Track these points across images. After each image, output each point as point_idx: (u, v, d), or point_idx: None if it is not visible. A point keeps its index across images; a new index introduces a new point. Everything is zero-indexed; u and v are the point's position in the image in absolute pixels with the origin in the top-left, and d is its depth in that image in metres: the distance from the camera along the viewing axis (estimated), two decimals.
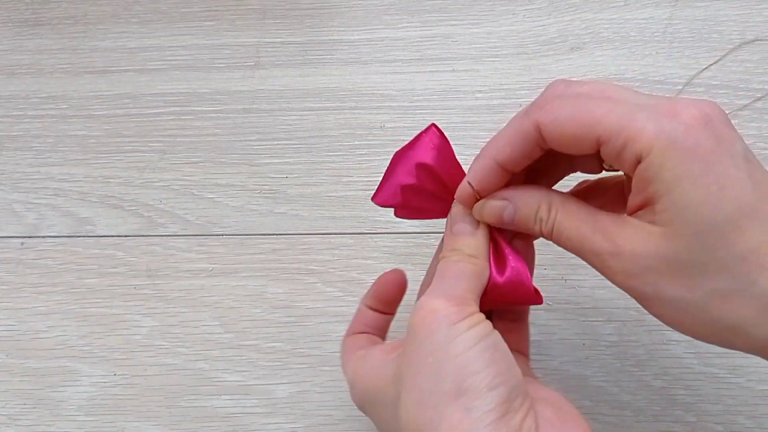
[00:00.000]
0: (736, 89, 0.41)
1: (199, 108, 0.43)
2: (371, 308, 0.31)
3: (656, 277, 0.22)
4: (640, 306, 0.37)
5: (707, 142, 0.21)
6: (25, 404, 0.38)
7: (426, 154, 0.28)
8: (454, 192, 0.27)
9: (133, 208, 0.41)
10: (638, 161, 0.21)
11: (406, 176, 0.28)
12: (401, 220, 0.40)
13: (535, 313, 0.37)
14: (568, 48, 0.43)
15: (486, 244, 0.27)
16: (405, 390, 0.23)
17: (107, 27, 0.46)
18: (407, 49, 0.44)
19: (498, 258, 0.27)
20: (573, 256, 0.38)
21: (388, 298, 0.31)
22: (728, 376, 0.35)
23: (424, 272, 0.31)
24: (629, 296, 0.24)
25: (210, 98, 0.44)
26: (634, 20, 0.43)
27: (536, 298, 0.27)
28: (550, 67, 0.42)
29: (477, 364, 0.22)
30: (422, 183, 0.28)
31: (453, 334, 0.23)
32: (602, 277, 0.37)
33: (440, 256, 0.27)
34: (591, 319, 0.37)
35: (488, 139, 0.42)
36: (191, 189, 0.41)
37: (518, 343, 0.29)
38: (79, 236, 0.41)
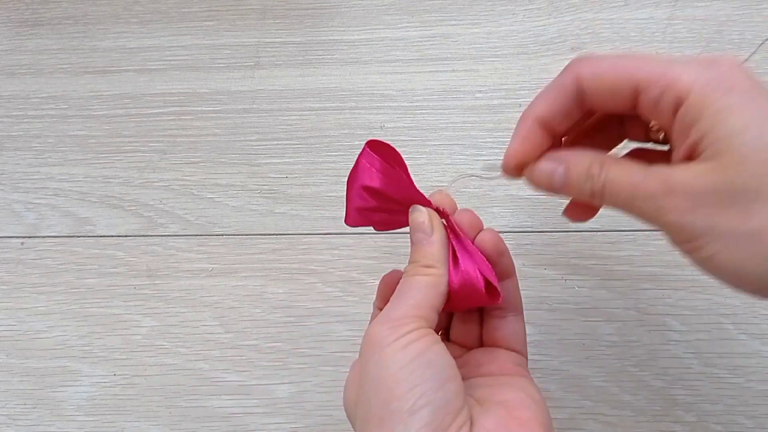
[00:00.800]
0: None
1: (199, 108, 0.43)
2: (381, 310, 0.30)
3: (711, 210, 0.21)
4: (640, 306, 0.37)
5: (744, 80, 0.21)
6: (25, 404, 0.38)
7: (368, 178, 0.28)
8: (408, 204, 0.28)
9: (133, 208, 0.41)
10: (677, 106, 0.22)
11: (358, 200, 0.28)
12: None
13: (535, 313, 0.37)
14: (568, 48, 0.43)
15: (442, 249, 0.27)
16: (358, 413, 0.24)
17: (107, 27, 0.46)
18: (407, 49, 0.44)
19: (454, 261, 0.27)
20: (574, 256, 0.38)
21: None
22: (728, 376, 0.35)
23: None
24: (678, 245, 0.23)
25: (210, 98, 0.44)
26: (634, 20, 0.43)
27: (491, 298, 0.27)
28: (550, 67, 0.42)
29: (402, 387, 0.22)
30: (377, 201, 0.28)
31: (384, 358, 0.23)
32: (602, 277, 0.38)
33: (405, 271, 0.27)
34: (591, 319, 0.37)
35: (488, 139, 0.42)
36: (191, 189, 0.41)
37: (507, 340, 0.29)
38: (79, 236, 0.41)
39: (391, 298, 0.26)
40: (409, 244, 0.28)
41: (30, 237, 0.41)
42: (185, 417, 0.37)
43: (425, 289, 0.26)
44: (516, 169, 0.26)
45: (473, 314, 0.30)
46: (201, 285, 0.39)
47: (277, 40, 0.45)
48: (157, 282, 0.39)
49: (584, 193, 0.25)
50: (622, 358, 0.36)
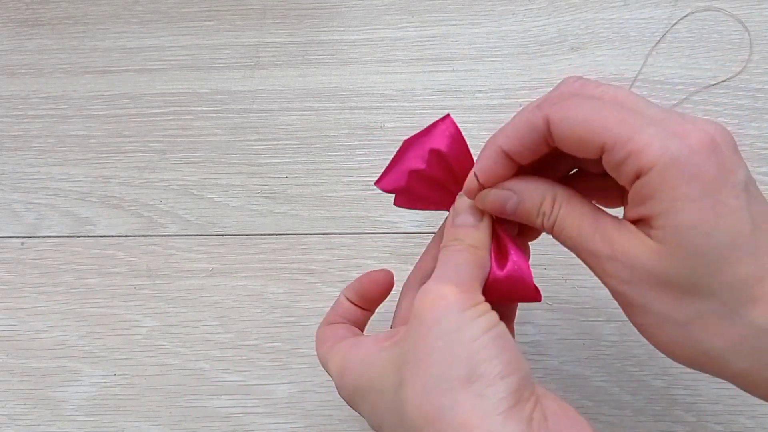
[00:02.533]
0: (735, 89, 0.41)
1: (199, 108, 0.43)
2: (351, 302, 0.30)
3: (647, 288, 0.22)
4: None
5: (710, 168, 0.21)
6: (25, 404, 0.38)
7: (440, 141, 0.27)
8: (462, 183, 0.27)
9: (133, 208, 0.41)
10: (637, 176, 0.21)
11: (416, 161, 0.28)
12: (401, 220, 0.40)
13: (535, 313, 0.37)
14: (568, 48, 0.43)
15: (488, 237, 0.26)
16: (410, 376, 0.22)
17: (107, 27, 0.46)
18: (407, 49, 0.44)
19: (499, 252, 0.27)
20: (574, 256, 0.38)
21: (371, 297, 0.30)
22: None
23: None
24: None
25: (210, 98, 0.44)
26: (634, 20, 0.43)
27: (536, 294, 0.27)
28: (550, 67, 0.42)
29: (488, 352, 0.22)
30: (432, 169, 0.28)
31: (463, 320, 0.22)
32: None
33: (441, 245, 0.26)
34: (591, 319, 0.37)
35: (488, 139, 0.42)
36: (191, 189, 0.41)
37: None
38: (79, 236, 0.41)
39: (439, 267, 0.25)
40: (447, 231, 0.27)
41: (30, 237, 0.41)
42: (185, 417, 0.37)
43: (476, 266, 0.25)
44: (473, 192, 0.26)
45: None
46: (201, 285, 0.39)
47: (277, 40, 0.45)
48: (157, 282, 0.39)
49: (536, 226, 0.25)
50: (622, 358, 0.36)
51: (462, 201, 0.27)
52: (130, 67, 0.45)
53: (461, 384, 0.21)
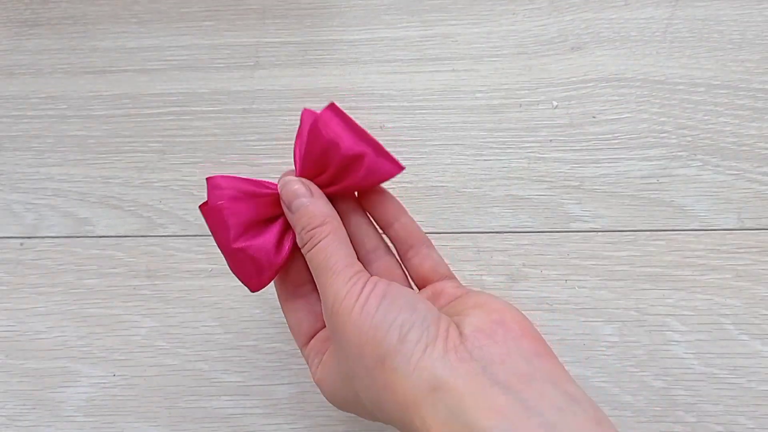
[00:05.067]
0: (736, 89, 0.41)
1: (199, 108, 0.43)
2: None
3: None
4: (640, 306, 0.37)
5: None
6: (24, 405, 0.37)
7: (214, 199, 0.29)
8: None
9: (132, 208, 0.41)
10: None
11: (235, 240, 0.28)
12: None
13: (535, 313, 0.37)
14: (568, 48, 0.43)
15: (327, 202, 0.28)
16: (354, 384, 0.25)
17: (107, 27, 0.46)
18: (407, 49, 0.44)
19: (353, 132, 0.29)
20: (573, 255, 0.38)
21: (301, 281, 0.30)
22: (729, 376, 0.35)
23: None
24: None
25: (209, 98, 0.44)
26: (634, 20, 0.43)
27: (395, 168, 0.29)
28: (550, 67, 0.42)
29: (383, 329, 0.23)
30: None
31: (353, 319, 0.24)
32: (603, 277, 0.38)
33: (303, 250, 0.27)
34: (591, 320, 0.37)
35: (488, 139, 0.42)
36: (191, 189, 0.41)
37: (437, 269, 0.30)
38: (78, 237, 0.41)
39: (316, 276, 0.26)
40: (295, 225, 0.28)
41: (29, 237, 0.41)
42: (185, 418, 0.37)
43: (338, 246, 0.26)
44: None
45: (393, 260, 0.30)
46: (201, 285, 0.39)
47: (276, 40, 0.45)
48: (156, 282, 0.39)
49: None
50: (622, 359, 0.36)
51: (286, 189, 0.28)
52: (129, 67, 0.45)
53: (379, 366, 0.23)
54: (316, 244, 0.26)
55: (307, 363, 0.29)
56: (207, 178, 0.29)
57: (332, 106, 0.29)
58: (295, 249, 0.29)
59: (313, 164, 0.29)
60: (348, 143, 0.28)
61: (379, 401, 0.24)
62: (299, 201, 0.27)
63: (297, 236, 0.28)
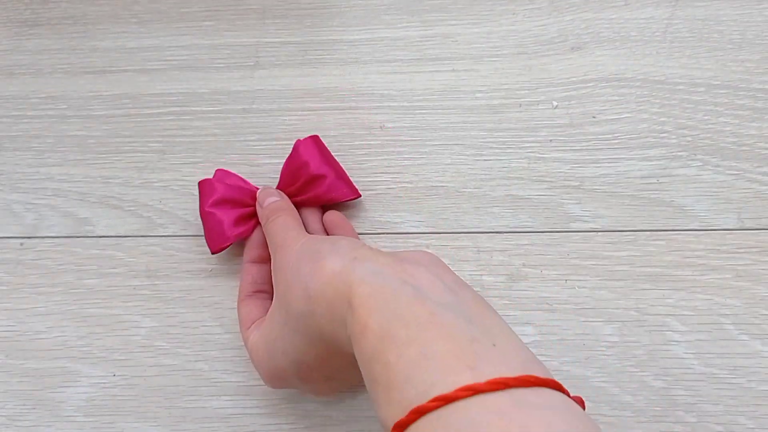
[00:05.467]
0: (736, 89, 0.41)
1: (199, 108, 0.43)
2: (254, 262, 0.36)
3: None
4: (640, 306, 0.37)
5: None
6: (24, 405, 0.37)
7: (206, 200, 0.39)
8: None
9: (132, 208, 0.41)
10: None
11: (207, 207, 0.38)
12: (401, 220, 0.40)
13: (535, 313, 0.37)
14: (568, 48, 0.43)
15: (288, 201, 0.37)
16: (288, 320, 0.29)
17: (106, 27, 0.46)
18: (407, 49, 0.44)
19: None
20: (573, 255, 0.38)
21: (264, 243, 0.36)
22: (729, 376, 0.35)
23: None
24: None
25: (209, 98, 0.44)
26: (634, 20, 0.43)
27: (353, 193, 0.39)
28: (550, 67, 0.42)
29: (319, 242, 0.31)
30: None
31: (298, 245, 0.31)
32: (603, 277, 0.38)
33: (265, 229, 0.36)
34: (591, 320, 0.37)
35: (488, 139, 0.42)
36: (191, 189, 0.41)
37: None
38: (78, 237, 0.41)
39: (271, 242, 0.34)
40: (261, 214, 0.37)
41: (29, 237, 0.41)
42: (185, 418, 0.37)
43: (291, 220, 0.35)
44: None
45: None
46: (201, 285, 0.39)
47: (276, 40, 0.45)
48: (156, 282, 0.39)
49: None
50: (622, 359, 0.36)
51: (263, 192, 0.37)
52: (129, 67, 0.45)
53: (313, 267, 0.28)
54: (275, 220, 0.34)
55: (245, 341, 0.34)
56: (216, 170, 0.39)
57: (314, 137, 0.39)
58: (260, 260, 0.37)
59: (288, 176, 0.38)
60: (315, 164, 0.38)
61: (308, 297, 0.27)
62: (270, 198, 0.36)
63: (262, 223, 0.36)
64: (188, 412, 0.37)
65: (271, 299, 0.34)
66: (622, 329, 0.36)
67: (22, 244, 0.41)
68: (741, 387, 0.35)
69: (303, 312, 0.28)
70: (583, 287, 0.37)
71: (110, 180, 0.42)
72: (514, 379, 0.21)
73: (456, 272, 0.30)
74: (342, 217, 0.38)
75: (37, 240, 0.41)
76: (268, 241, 0.35)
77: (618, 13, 0.44)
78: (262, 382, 0.37)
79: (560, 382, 0.23)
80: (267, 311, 0.33)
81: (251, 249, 0.37)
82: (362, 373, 0.25)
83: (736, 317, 0.36)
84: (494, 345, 0.23)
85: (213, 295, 0.39)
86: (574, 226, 0.39)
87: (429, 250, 0.33)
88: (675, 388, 0.35)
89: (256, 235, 0.37)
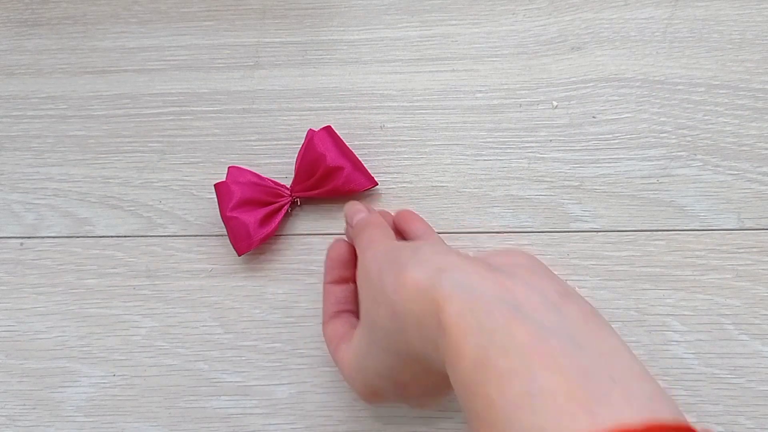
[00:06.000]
0: (736, 89, 0.41)
1: (199, 108, 0.43)
2: (335, 283, 0.34)
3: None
4: (640, 306, 0.37)
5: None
6: (24, 405, 0.37)
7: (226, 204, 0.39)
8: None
9: (132, 208, 0.41)
10: None
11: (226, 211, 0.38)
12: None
13: None
14: (568, 48, 0.43)
15: (379, 216, 0.34)
16: (375, 330, 0.27)
17: (106, 27, 0.46)
18: (407, 49, 0.44)
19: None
20: (573, 255, 0.38)
21: (344, 263, 0.34)
22: (729, 376, 0.35)
23: None
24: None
25: (209, 98, 0.44)
26: (634, 20, 0.43)
27: (367, 182, 0.39)
28: (550, 67, 0.42)
29: (399, 247, 0.29)
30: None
31: (379, 253, 0.29)
32: (603, 277, 0.38)
33: (358, 242, 0.32)
34: None
35: (488, 139, 0.42)
36: (191, 189, 0.41)
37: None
38: (78, 236, 0.41)
39: (366, 244, 0.31)
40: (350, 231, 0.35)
41: (29, 237, 0.41)
42: (185, 418, 0.37)
43: (375, 231, 0.31)
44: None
45: None
46: (201, 285, 0.39)
47: (276, 40, 0.45)
48: (156, 282, 0.39)
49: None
50: None
51: (351, 210, 0.35)
52: (129, 67, 0.45)
53: (396, 278, 0.26)
54: (361, 234, 0.31)
55: (336, 363, 0.32)
56: (228, 167, 0.40)
57: (328, 128, 0.39)
58: (341, 281, 0.34)
59: (305, 169, 0.38)
60: (332, 156, 0.38)
61: (394, 314, 0.25)
62: (358, 215, 0.34)
63: (354, 242, 0.32)
64: (188, 412, 0.37)
65: (356, 317, 0.33)
66: (622, 329, 0.36)
67: (22, 244, 0.41)
68: (741, 387, 0.35)
69: (390, 329, 0.26)
70: (583, 287, 0.37)
71: (110, 180, 0.42)
72: (640, 428, 0.18)
73: None
74: (411, 212, 0.36)
75: (37, 240, 0.41)
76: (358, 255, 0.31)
77: (618, 13, 0.44)
78: (261, 383, 0.37)
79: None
80: (353, 328, 0.31)
81: (332, 270, 0.34)
82: (459, 401, 0.22)
83: (736, 317, 0.36)
84: (612, 378, 0.20)
85: (213, 295, 0.39)
86: (574, 226, 0.39)
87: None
88: (675, 388, 0.35)
89: (336, 256, 0.34)
